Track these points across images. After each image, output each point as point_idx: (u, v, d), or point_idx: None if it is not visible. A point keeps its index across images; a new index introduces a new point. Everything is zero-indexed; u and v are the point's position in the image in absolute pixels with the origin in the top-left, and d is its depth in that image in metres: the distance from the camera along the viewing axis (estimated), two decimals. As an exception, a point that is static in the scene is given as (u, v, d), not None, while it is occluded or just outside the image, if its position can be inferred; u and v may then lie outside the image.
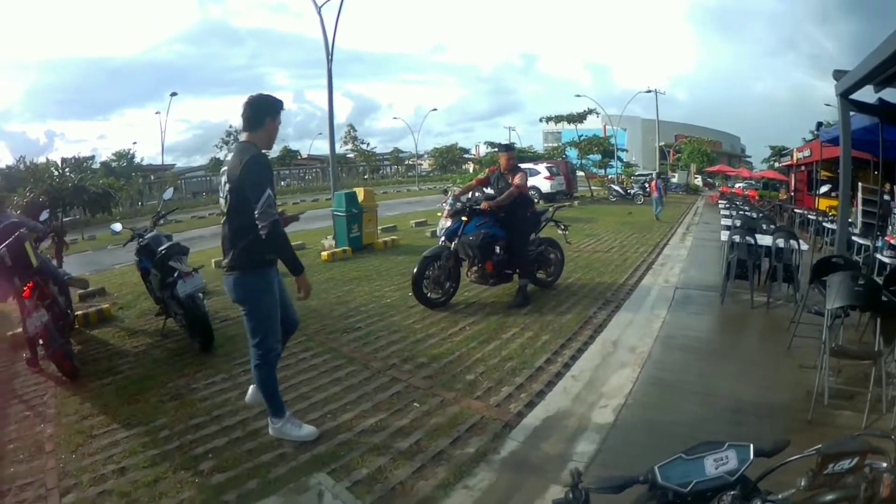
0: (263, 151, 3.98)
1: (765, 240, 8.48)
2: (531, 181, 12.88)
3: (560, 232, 9.20)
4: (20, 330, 6.43)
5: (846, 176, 9.33)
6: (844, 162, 9.31)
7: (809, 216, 17.34)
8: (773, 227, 10.40)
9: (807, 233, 15.97)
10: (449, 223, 7.78)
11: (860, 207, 13.43)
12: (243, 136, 4.00)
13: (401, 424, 4.53)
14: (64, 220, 10.91)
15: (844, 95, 8.72)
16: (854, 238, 10.73)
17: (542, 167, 30.82)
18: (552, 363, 5.73)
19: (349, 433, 4.41)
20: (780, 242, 8.17)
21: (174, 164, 39.89)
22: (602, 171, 43.19)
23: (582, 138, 39.31)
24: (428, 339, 6.60)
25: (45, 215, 8.62)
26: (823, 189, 18.56)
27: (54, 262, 8.09)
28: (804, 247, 8.41)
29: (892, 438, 1.11)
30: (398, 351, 6.20)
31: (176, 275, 6.15)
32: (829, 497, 1.02)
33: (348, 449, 4.17)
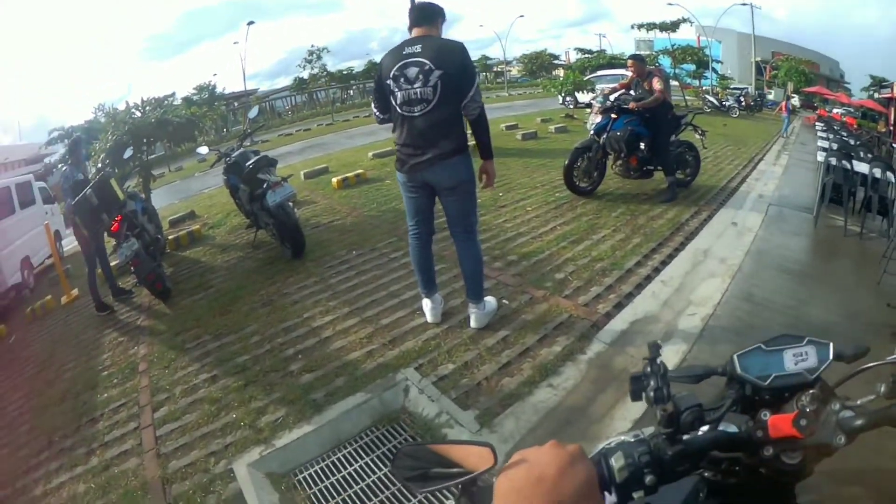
0: None
1: (861, 167, 8.03)
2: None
3: (697, 136, 9.22)
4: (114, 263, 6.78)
5: None
6: None
7: None
8: (870, 155, 9.78)
9: None
10: (599, 119, 8.25)
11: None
12: (421, 31, 3.88)
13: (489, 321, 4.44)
14: (150, 157, 11.14)
15: None
16: None
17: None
18: (642, 266, 5.52)
19: (437, 328, 4.41)
20: (877, 172, 7.69)
21: (257, 89, 40.24)
22: (696, 82, 41.41)
23: (675, 47, 37.63)
24: (518, 238, 6.49)
25: (128, 153, 8.90)
26: None
27: (142, 196, 8.31)
28: None
29: None
30: (488, 249, 6.05)
31: (265, 186, 6.19)
32: None
33: (436, 345, 4.17)
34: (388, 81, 3.83)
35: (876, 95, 41.49)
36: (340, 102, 38.37)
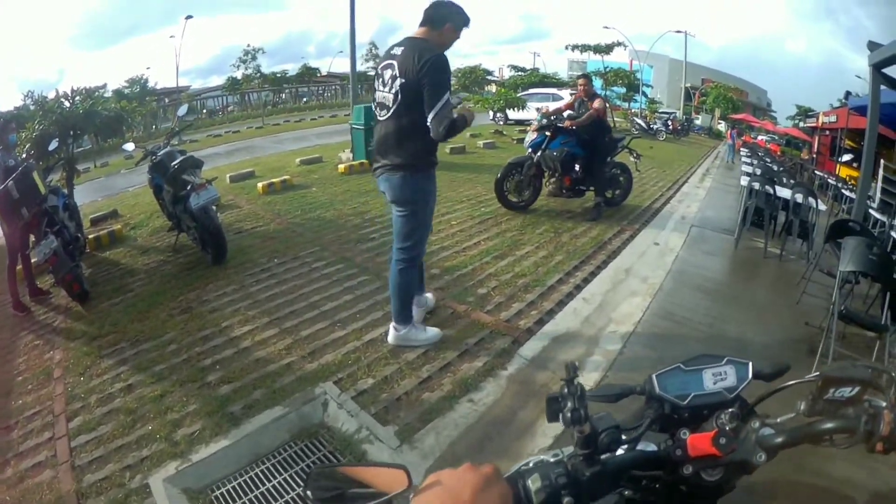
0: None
1: (783, 192, 8.35)
2: (553, 105, 13.13)
3: (632, 159, 9.57)
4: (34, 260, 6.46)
5: (870, 146, 9.31)
6: (870, 132, 9.30)
7: (829, 180, 16.96)
8: (792, 181, 10.21)
9: (825, 196, 15.66)
10: (535, 136, 8.45)
11: (880, 184, 13.23)
12: (417, 32, 3.78)
13: (410, 335, 4.45)
14: (76, 150, 10.72)
15: (877, 68, 8.79)
16: (871, 211, 10.51)
17: (565, 93, 30.15)
18: (564, 283, 5.61)
19: (357, 342, 4.38)
20: (799, 198, 8.01)
21: (189, 86, 39.28)
22: (626, 105, 42.54)
23: (608, 69, 38.63)
24: (442, 252, 6.53)
25: (53, 144, 8.54)
26: (845, 158, 18.21)
27: (65, 191, 7.99)
28: (822, 206, 8.35)
29: (892, 374, 1.02)
30: (411, 261, 6.06)
31: (189, 188, 6.06)
32: (829, 426, 0.96)
33: (356, 358, 4.13)
34: (375, 79, 3.85)
35: (801, 124, 43.51)
36: (272, 105, 37.81)
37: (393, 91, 3.64)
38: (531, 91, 31.08)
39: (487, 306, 5.01)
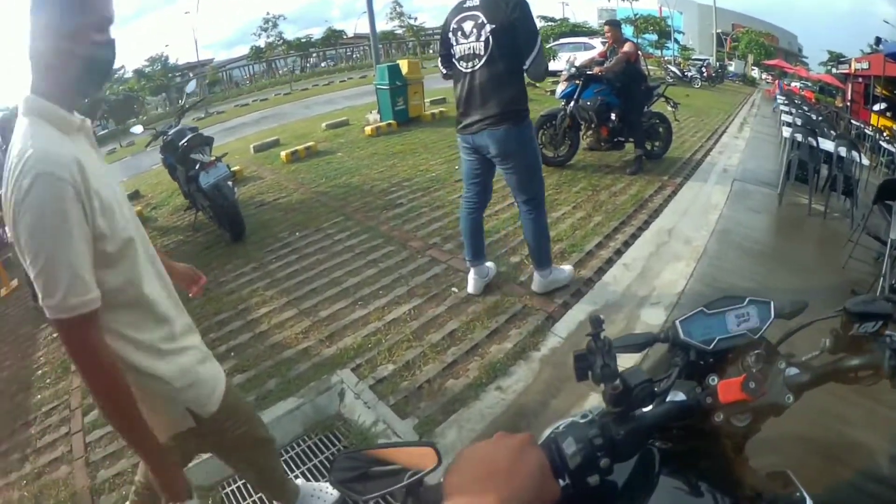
0: None
1: (826, 145, 7.85)
2: (586, 55, 12.76)
3: (669, 108, 9.18)
4: None
5: None
6: None
7: (866, 130, 16.16)
8: (832, 132, 9.81)
9: (863, 148, 14.99)
10: (565, 86, 8.14)
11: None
12: None
13: (436, 313, 4.19)
14: (98, 133, 10.65)
15: None
16: None
17: (597, 41, 29.49)
18: (603, 248, 5.23)
19: (379, 322, 4.13)
20: (842, 151, 7.53)
21: (212, 59, 39.43)
22: (658, 52, 41.71)
23: (638, 16, 38.24)
24: (473, 216, 6.16)
25: None
26: (879, 107, 17.26)
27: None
28: (865, 161, 7.87)
29: None
30: (440, 229, 5.83)
31: (198, 166, 5.87)
32: (854, 362, 0.96)
33: (376, 341, 3.88)
34: (449, 35, 3.73)
35: (834, 70, 42.14)
36: (300, 71, 37.75)
37: (483, 39, 3.55)
38: (562, 41, 30.38)
39: (521, 277, 4.65)
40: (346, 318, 4.21)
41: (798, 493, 1.00)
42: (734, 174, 8.40)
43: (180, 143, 6.23)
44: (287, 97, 25.25)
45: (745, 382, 0.90)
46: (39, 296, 1.39)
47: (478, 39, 3.56)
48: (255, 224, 6.49)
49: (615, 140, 8.26)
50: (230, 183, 6.13)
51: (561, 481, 0.87)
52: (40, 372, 4.57)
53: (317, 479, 2.80)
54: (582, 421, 0.95)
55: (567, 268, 4.47)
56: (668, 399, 1.02)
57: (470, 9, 3.59)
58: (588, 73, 7.90)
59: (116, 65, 1.87)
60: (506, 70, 3.56)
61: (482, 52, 3.56)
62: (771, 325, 1.10)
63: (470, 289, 4.35)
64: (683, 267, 4.91)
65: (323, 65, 41.12)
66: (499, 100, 3.60)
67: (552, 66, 23.97)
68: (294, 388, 3.45)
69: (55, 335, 5.08)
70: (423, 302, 4.34)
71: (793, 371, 0.97)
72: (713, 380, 0.97)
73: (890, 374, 0.90)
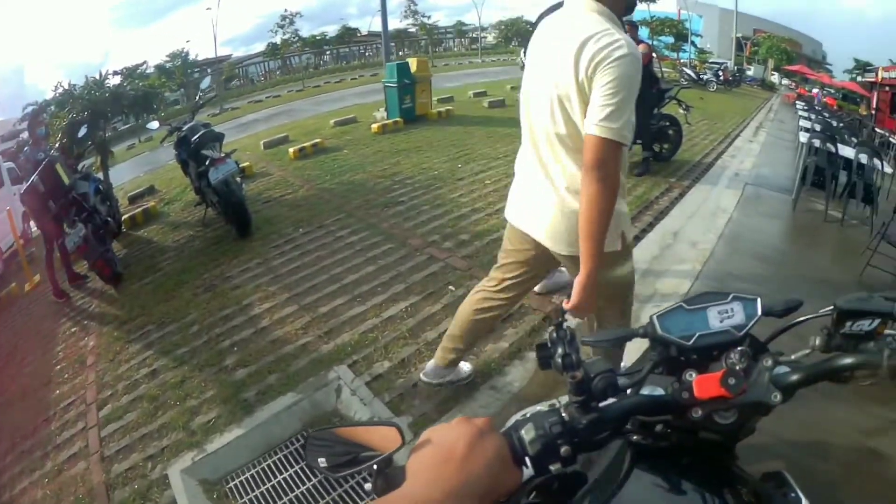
0: None
1: (846, 151, 7.72)
2: None
3: (682, 111, 9.03)
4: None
5: None
6: None
7: (892, 139, 15.86)
8: (853, 139, 9.60)
9: (886, 156, 14.80)
10: None
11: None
12: None
13: (433, 310, 4.22)
14: (111, 132, 10.80)
15: None
16: None
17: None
18: None
19: (376, 319, 4.17)
20: (863, 158, 7.36)
21: (230, 55, 39.49)
22: (674, 55, 41.45)
23: (654, 18, 37.77)
24: (473, 215, 6.22)
25: (83, 131, 8.56)
26: None
27: (99, 175, 8.02)
28: (888, 168, 7.66)
29: None
30: (439, 227, 5.90)
31: (208, 162, 5.97)
32: (849, 360, 0.93)
33: (373, 338, 3.93)
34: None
35: (859, 79, 41.35)
36: (314, 68, 37.78)
37: None
38: None
39: (519, 278, 4.68)
40: (344, 315, 4.27)
41: (793, 494, 1.01)
42: (746, 178, 8.31)
43: (192, 140, 6.36)
44: (300, 94, 25.28)
45: (724, 378, 0.90)
46: (600, 117, 2.03)
47: None
48: (261, 220, 6.58)
49: None
50: (239, 179, 6.27)
51: (525, 469, 0.88)
52: (59, 367, 4.69)
53: (312, 478, 2.88)
54: (544, 409, 0.96)
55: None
56: (643, 392, 1.03)
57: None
58: None
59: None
60: None
61: None
62: (761, 324, 1.07)
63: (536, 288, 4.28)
64: (689, 269, 4.89)
65: (345, 61, 41.19)
66: None
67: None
68: (293, 384, 3.52)
69: (73, 329, 5.29)
70: (421, 299, 4.38)
71: (782, 369, 0.98)
72: (690, 375, 0.99)
73: (890, 375, 0.89)
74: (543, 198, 2.40)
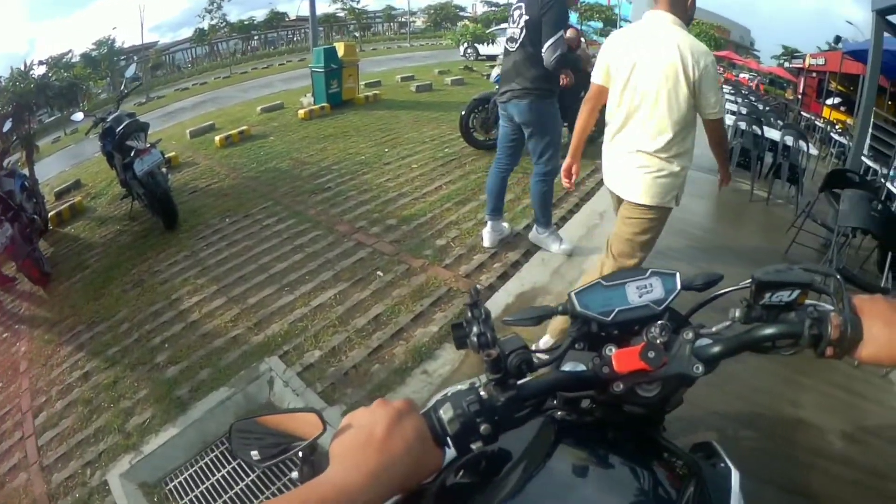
0: None
1: (772, 134, 8.13)
2: None
3: None
4: None
5: (870, 95, 8.81)
6: (871, 80, 8.76)
7: (817, 122, 16.45)
8: (780, 122, 10.06)
9: (811, 138, 15.25)
10: (499, 70, 8.02)
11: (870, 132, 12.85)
12: None
13: (361, 297, 4.25)
14: (37, 125, 10.41)
15: (882, 14, 8.15)
16: (863, 159, 9.74)
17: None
18: (532, 230, 5.20)
19: (305, 308, 4.18)
20: (789, 140, 7.69)
21: (157, 42, 38.17)
22: (602, 40, 41.74)
23: (583, 4, 37.84)
24: (400, 199, 6.24)
25: (8, 125, 8.25)
26: (833, 101, 17.73)
27: (25, 171, 7.76)
28: (813, 151, 8.10)
29: (838, 278, 0.98)
30: (366, 212, 5.90)
31: (133, 153, 5.84)
32: (770, 331, 0.96)
33: (303, 327, 3.94)
34: (508, 18, 4.44)
35: (787, 65, 42.35)
36: (242, 54, 36.95)
37: (520, 26, 4.22)
38: (503, 26, 30.42)
39: (446, 260, 4.73)
40: (273, 305, 4.26)
41: (723, 464, 1.03)
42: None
43: (117, 130, 6.21)
44: (227, 81, 24.73)
45: (643, 352, 0.92)
46: (707, 107, 3.08)
47: (517, 26, 4.23)
48: (187, 211, 6.49)
49: None
50: (164, 170, 6.16)
51: (448, 449, 0.89)
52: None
53: (250, 473, 2.89)
54: (463, 388, 0.96)
55: (566, 246, 4.81)
56: (564, 368, 1.04)
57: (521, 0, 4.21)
58: None
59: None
60: (534, 54, 4.15)
61: (518, 37, 4.24)
62: (683, 300, 1.08)
63: (485, 242, 4.88)
64: (614, 249, 4.98)
65: (272, 46, 40.31)
66: (526, 77, 4.24)
67: (489, 50, 25.07)
68: (225, 378, 3.52)
69: (5, 335, 5.18)
70: (349, 286, 4.39)
71: (704, 341, 0.99)
72: (610, 350, 0.99)
73: (811, 343, 0.92)
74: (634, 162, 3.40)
